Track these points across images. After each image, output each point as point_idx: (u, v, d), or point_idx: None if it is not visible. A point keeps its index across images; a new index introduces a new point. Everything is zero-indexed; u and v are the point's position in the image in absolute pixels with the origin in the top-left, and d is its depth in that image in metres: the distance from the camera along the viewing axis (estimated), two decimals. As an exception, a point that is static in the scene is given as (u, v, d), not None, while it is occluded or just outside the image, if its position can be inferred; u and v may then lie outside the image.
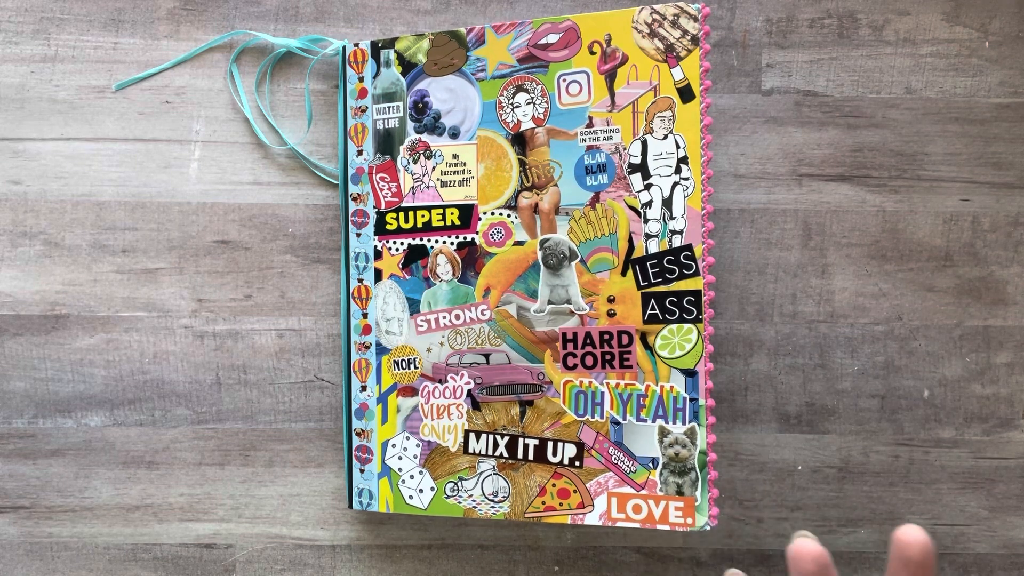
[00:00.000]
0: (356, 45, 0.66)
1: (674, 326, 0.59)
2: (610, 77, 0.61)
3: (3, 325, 0.69)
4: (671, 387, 0.60)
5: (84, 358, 0.69)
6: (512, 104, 0.63)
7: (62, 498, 0.69)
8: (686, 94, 0.59)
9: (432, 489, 0.64)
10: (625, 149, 0.60)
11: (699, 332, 0.59)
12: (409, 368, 0.65)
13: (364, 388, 0.66)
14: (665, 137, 0.60)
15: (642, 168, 0.60)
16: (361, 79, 0.66)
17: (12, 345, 0.69)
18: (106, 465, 0.69)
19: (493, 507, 0.63)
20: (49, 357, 0.69)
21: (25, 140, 0.69)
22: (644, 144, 0.60)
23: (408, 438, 0.65)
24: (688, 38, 0.59)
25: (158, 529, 0.69)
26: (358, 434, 0.66)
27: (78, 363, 0.69)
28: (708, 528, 0.59)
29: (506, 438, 0.63)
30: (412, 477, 0.65)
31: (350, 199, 0.66)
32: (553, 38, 0.62)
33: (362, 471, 0.66)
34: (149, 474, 0.69)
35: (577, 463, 0.62)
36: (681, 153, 0.59)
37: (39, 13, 0.70)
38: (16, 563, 0.69)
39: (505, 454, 0.63)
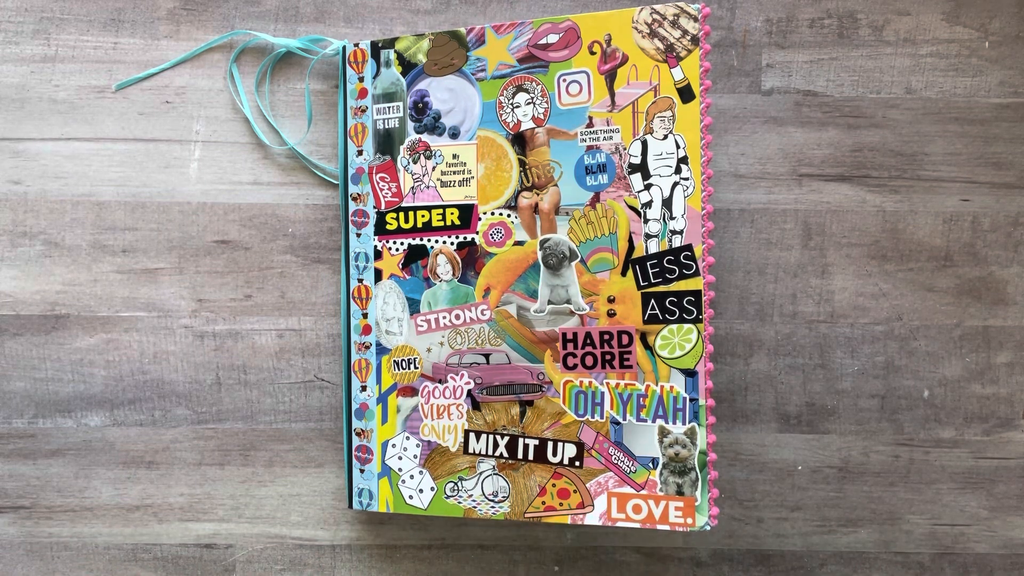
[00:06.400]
0: (356, 45, 0.66)
1: (674, 326, 0.59)
2: (610, 77, 0.61)
3: (3, 325, 0.69)
4: (671, 387, 0.60)
5: (84, 358, 0.69)
6: (512, 104, 0.63)
7: (62, 498, 0.69)
8: (686, 94, 0.59)
9: (432, 489, 0.64)
10: (625, 149, 0.60)
11: (699, 332, 0.59)
12: (409, 368, 0.65)
13: (364, 388, 0.66)
14: (665, 137, 0.60)
15: (642, 168, 0.60)
16: (361, 79, 0.66)
17: (12, 345, 0.69)
18: (106, 465, 0.69)
19: (493, 507, 0.63)
20: (49, 357, 0.69)
21: (25, 140, 0.69)
22: (644, 144, 0.60)
23: (408, 438, 0.65)
24: (688, 38, 0.59)
25: (158, 529, 0.69)
26: (358, 434, 0.66)
27: (78, 363, 0.69)
28: (708, 528, 0.59)
29: (506, 438, 0.63)
30: (412, 477, 0.65)
31: (350, 199, 0.66)
32: (553, 38, 0.62)
33: (362, 471, 0.66)
34: (149, 474, 0.69)
35: (577, 463, 0.62)
36: (681, 153, 0.59)
37: (39, 13, 0.70)
38: (16, 563, 0.69)
39: (505, 454, 0.63)
